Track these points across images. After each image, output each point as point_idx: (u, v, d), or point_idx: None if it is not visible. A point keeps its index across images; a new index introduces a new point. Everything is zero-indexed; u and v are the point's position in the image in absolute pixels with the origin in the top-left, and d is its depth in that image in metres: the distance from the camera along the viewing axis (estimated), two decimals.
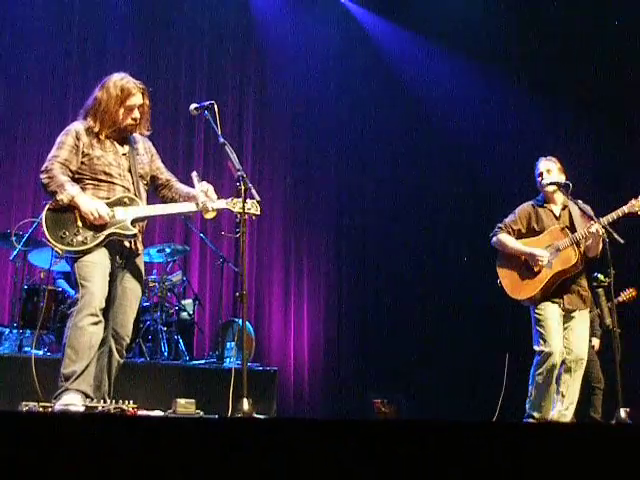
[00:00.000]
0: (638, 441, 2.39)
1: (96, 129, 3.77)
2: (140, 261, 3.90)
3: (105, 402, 3.68)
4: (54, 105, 7.62)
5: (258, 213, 3.93)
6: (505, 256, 4.83)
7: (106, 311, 3.68)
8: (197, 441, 1.98)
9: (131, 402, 3.73)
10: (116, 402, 3.70)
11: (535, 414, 4.57)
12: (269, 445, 2.04)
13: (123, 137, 3.88)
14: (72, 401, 3.47)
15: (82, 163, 3.74)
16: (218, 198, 3.91)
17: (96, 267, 3.63)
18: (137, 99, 3.82)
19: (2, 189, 7.42)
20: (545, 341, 4.56)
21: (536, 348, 4.62)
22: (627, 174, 7.30)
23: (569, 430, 2.77)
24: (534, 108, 8.31)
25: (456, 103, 8.68)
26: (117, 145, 3.84)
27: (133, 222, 3.73)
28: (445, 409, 7.42)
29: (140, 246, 3.89)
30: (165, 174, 4.02)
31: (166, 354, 6.42)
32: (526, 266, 4.72)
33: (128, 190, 3.79)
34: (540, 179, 4.84)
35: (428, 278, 8.53)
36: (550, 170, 4.81)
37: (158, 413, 4.39)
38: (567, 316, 4.66)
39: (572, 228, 4.72)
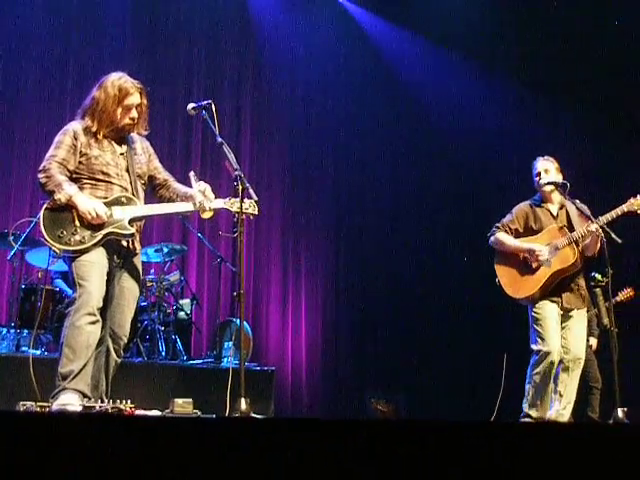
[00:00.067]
0: (635, 441, 2.40)
1: (94, 129, 3.77)
2: (138, 261, 3.90)
3: (102, 402, 3.67)
4: (52, 105, 7.61)
5: (256, 213, 3.94)
6: (503, 255, 4.82)
7: (104, 310, 3.68)
8: (195, 441, 1.98)
9: (128, 402, 3.73)
10: (113, 402, 3.70)
11: (532, 413, 4.56)
12: (267, 445, 2.04)
13: (121, 137, 3.88)
14: (69, 401, 3.47)
15: (80, 163, 3.74)
16: (216, 198, 3.92)
17: (94, 266, 3.62)
18: (135, 99, 3.81)
19: (0, 188, 7.42)
20: (543, 340, 4.55)
21: (534, 347, 4.60)
22: (627, 174, 7.29)
23: (567, 430, 2.78)
24: (534, 108, 8.30)
25: (456, 103, 8.67)
26: (115, 145, 3.84)
27: (131, 222, 3.73)
28: (444, 409, 7.41)
29: (138, 246, 3.89)
30: (163, 174, 4.02)
31: (164, 354, 6.41)
32: (525, 264, 4.71)
33: (126, 190, 3.79)
34: (538, 179, 4.85)
35: (428, 278, 8.51)
36: (548, 170, 4.81)
37: (156, 413, 4.37)
38: (565, 315, 4.66)
39: (570, 227, 4.72)
